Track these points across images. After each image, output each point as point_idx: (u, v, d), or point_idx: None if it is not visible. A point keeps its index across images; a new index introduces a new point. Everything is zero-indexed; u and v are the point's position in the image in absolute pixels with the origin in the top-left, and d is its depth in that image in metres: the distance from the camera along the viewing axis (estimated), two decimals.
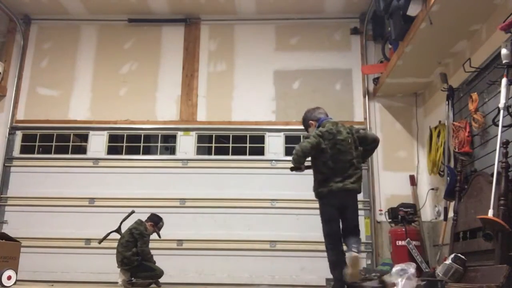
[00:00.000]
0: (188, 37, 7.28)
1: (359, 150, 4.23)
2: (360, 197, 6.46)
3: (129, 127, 6.97)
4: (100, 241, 5.62)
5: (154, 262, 5.58)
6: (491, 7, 4.61)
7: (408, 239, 5.57)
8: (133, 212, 5.78)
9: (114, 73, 7.19)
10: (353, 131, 4.26)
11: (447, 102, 5.54)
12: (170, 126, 6.93)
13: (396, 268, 3.59)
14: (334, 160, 4.04)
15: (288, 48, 7.17)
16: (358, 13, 7.13)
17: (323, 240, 6.41)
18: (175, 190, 6.66)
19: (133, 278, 5.39)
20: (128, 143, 6.98)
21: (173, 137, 6.96)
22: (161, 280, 5.55)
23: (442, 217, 5.63)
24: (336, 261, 3.97)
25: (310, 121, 4.39)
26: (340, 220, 4.10)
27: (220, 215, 6.50)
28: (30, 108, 7.13)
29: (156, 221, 5.71)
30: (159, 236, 5.72)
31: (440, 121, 5.92)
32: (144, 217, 5.74)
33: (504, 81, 4.06)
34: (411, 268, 3.49)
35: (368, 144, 4.34)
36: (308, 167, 4.18)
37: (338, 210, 4.07)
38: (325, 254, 6.67)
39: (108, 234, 5.63)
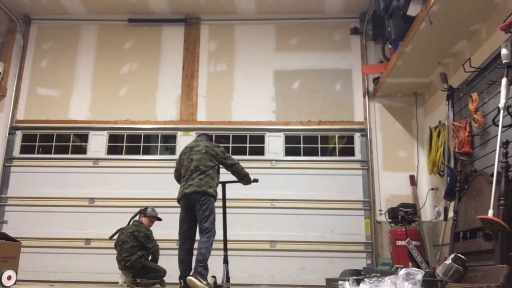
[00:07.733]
0: (188, 37, 7.28)
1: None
2: (360, 197, 6.58)
3: (129, 127, 6.97)
4: (110, 237, 5.57)
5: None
6: (491, 7, 4.61)
7: (408, 239, 5.57)
8: (146, 208, 5.73)
9: (114, 73, 7.19)
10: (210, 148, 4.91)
11: (447, 102, 5.54)
12: (170, 126, 6.94)
13: (403, 271, 3.51)
14: None
15: (288, 48, 7.17)
16: (358, 13, 7.12)
17: (323, 240, 6.46)
18: (176, 190, 6.64)
19: (137, 279, 5.37)
20: (128, 143, 6.98)
21: (173, 137, 6.96)
22: None
23: (442, 217, 5.63)
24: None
25: None
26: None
27: (220, 215, 6.49)
28: (30, 108, 7.14)
29: (149, 212, 5.62)
30: (159, 219, 5.68)
31: (440, 121, 5.92)
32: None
33: (504, 81, 4.06)
34: (419, 275, 3.42)
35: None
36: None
37: None
38: (324, 254, 6.69)
39: (118, 231, 5.59)
